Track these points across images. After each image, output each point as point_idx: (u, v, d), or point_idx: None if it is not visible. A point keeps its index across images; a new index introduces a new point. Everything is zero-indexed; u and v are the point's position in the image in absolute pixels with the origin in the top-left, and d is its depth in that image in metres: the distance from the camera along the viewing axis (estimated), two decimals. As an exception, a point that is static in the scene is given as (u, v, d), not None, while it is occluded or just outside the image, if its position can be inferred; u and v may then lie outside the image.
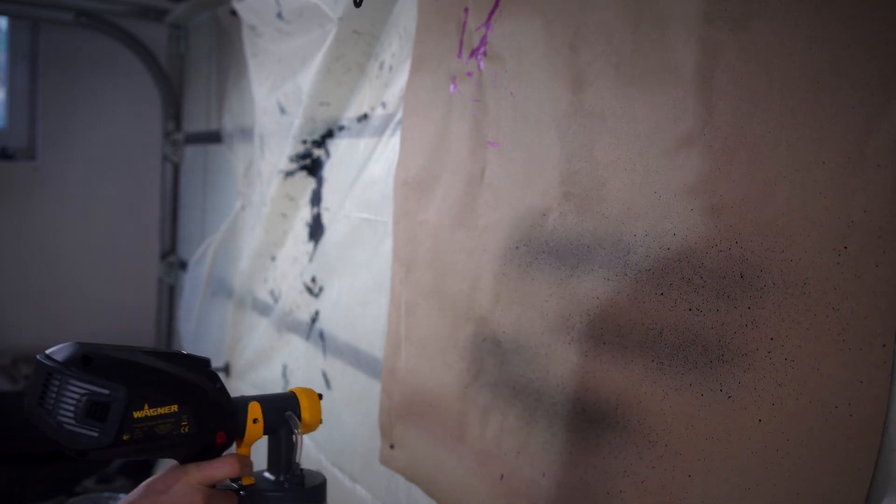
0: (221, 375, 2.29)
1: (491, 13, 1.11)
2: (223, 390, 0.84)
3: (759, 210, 0.74)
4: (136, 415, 0.74)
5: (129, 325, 3.02)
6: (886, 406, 0.65)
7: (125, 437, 0.74)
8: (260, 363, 1.97)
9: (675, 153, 0.83)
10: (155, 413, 0.76)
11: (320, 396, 0.92)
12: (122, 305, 3.01)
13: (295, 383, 1.78)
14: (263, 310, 1.97)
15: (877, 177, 0.65)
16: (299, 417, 0.89)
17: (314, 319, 1.69)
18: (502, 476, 1.07)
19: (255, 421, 0.86)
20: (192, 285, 2.37)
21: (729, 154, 0.77)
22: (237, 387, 2.12)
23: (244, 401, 0.87)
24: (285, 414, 0.88)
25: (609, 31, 0.91)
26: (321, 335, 1.66)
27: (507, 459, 1.06)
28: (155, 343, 3.02)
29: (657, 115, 0.85)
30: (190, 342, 2.38)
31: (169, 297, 2.96)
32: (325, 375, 1.63)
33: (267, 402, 0.88)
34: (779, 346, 0.72)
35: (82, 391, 0.72)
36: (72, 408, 0.72)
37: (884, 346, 0.65)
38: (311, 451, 1.67)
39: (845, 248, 0.67)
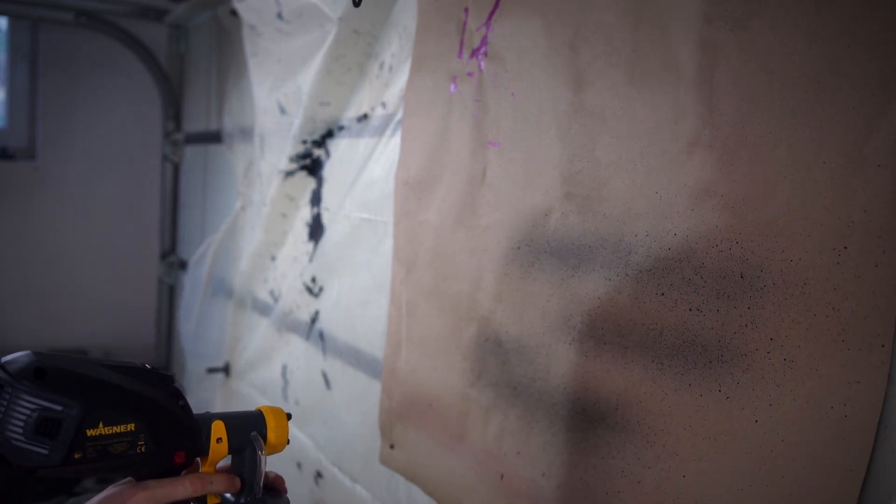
0: (221, 375, 2.30)
1: (491, 13, 1.11)
2: (186, 408, 0.79)
3: (760, 210, 0.74)
4: (90, 433, 0.70)
5: (129, 325, 3.03)
6: (882, 407, 0.65)
7: (77, 456, 0.70)
8: (260, 363, 1.97)
9: (675, 153, 0.83)
10: (110, 431, 0.72)
11: (289, 416, 0.88)
12: (122, 305, 3.01)
13: (295, 383, 1.78)
14: (263, 310, 1.97)
15: (877, 177, 0.65)
16: (265, 438, 0.85)
17: (314, 319, 1.69)
18: (502, 476, 1.07)
19: (218, 440, 0.82)
20: (192, 285, 2.37)
21: (729, 154, 0.77)
22: (237, 387, 2.12)
23: (208, 419, 0.83)
24: (250, 434, 0.84)
25: (609, 31, 0.91)
26: (321, 335, 1.66)
27: (508, 459, 1.06)
28: (155, 343, 3.02)
29: (657, 115, 0.85)
30: (190, 342, 2.38)
31: (169, 297, 2.96)
32: (324, 375, 1.63)
33: (232, 420, 0.84)
34: (778, 346, 0.72)
35: (33, 406, 0.67)
36: (21, 423, 0.67)
37: (883, 346, 0.65)
38: (311, 450, 1.67)
39: (845, 248, 0.67)
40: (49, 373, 0.69)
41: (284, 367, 1.84)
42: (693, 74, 0.81)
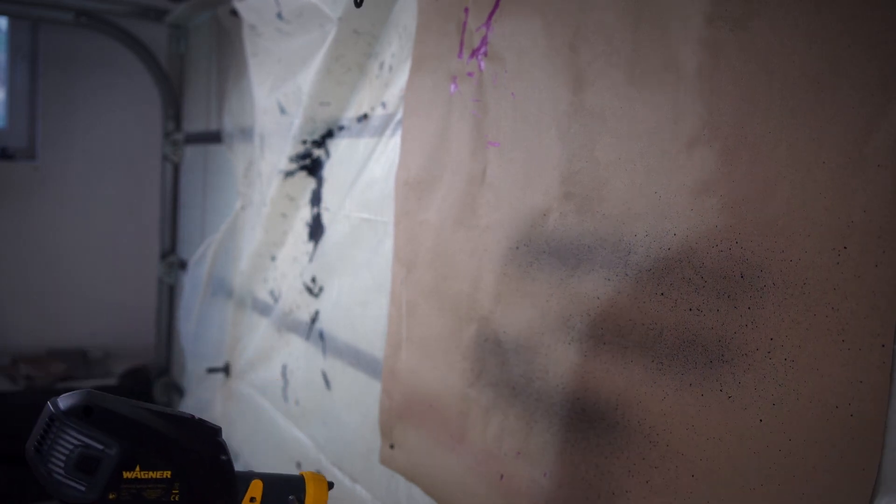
0: (221, 375, 2.30)
1: (491, 13, 1.11)
2: (227, 463, 0.80)
3: (760, 210, 0.74)
4: (126, 475, 0.73)
5: (129, 325, 3.03)
6: (887, 405, 0.65)
7: (111, 496, 0.72)
8: (260, 363, 1.97)
9: (675, 153, 0.83)
10: (146, 476, 0.74)
11: (331, 486, 0.87)
12: (122, 305, 3.01)
13: (295, 383, 1.78)
14: (263, 310, 1.97)
15: (877, 177, 0.65)
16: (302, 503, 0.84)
17: (314, 319, 1.69)
18: (502, 476, 1.07)
19: (252, 500, 0.82)
20: (192, 285, 2.37)
21: (729, 154, 0.77)
22: (237, 387, 2.12)
23: (247, 477, 0.84)
24: (288, 498, 0.84)
25: (609, 31, 0.91)
26: (321, 335, 1.66)
27: (507, 459, 1.06)
28: (155, 343, 3.02)
29: (657, 115, 0.85)
30: (190, 342, 2.38)
31: (169, 297, 2.96)
32: (325, 375, 1.63)
33: (271, 481, 0.84)
34: (779, 346, 0.72)
35: (77, 442, 0.71)
36: (63, 458, 0.71)
37: (883, 346, 0.65)
38: (311, 450, 1.67)
39: (845, 248, 0.67)
40: (95, 411, 0.72)
41: (284, 367, 1.84)
42: (693, 74, 0.81)
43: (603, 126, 0.92)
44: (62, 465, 0.70)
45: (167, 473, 0.75)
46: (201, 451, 0.78)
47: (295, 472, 0.88)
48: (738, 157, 0.76)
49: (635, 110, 0.88)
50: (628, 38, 0.89)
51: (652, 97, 0.86)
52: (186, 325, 2.39)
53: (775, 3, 0.73)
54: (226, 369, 2.20)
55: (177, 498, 0.75)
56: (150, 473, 0.74)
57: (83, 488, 0.71)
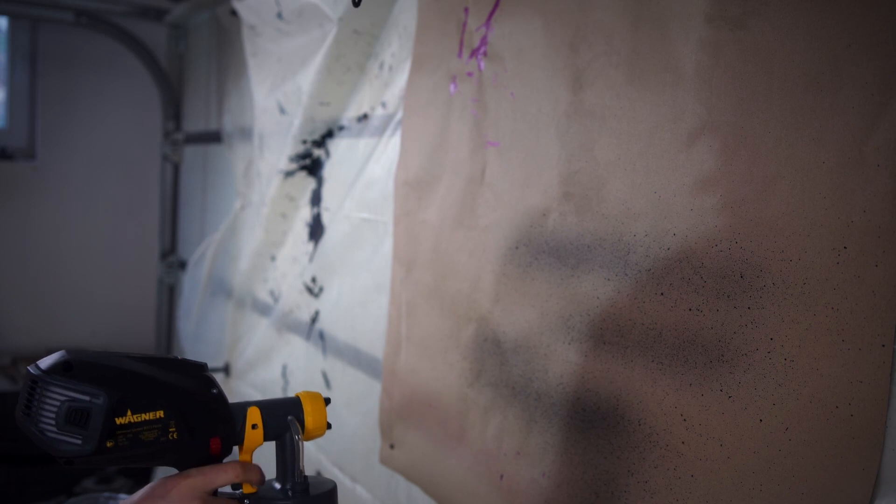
0: (221, 376, 2.29)
1: (491, 13, 1.11)
2: (219, 396, 0.81)
3: (759, 210, 0.74)
4: (119, 421, 0.72)
5: (129, 325, 3.03)
6: (887, 405, 0.65)
7: (109, 445, 0.72)
8: (260, 363, 1.97)
9: (674, 153, 0.83)
10: (139, 419, 0.73)
11: (327, 401, 0.88)
12: (122, 305, 3.01)
13: (295, 383, 1.78)
14: (263, 310, 1.97)
15: (876, 177, 0.65)
16: (302, 423, 0.85)
17: (314, 319, 1.69)
18: (502, 476, 1.07)
19: (253, 426, 0.83)
20: (192, 285, 2.37)
21: (729, 154, 0.77)
22: (237, 387, 2.12)
23: (243, 406, 0.84)
24: (287, 419, 0.84)
25: (609, 31, 0.91)
26: (321, 335, 1.66)
27: (507, 459, 1.06)
28: (155, 344, 3.02)
29: (657, 115, 0.85)
30: (190, 342, 2.38)
31: (169, 297, 2.96)
32: (325, 375, 1.63)
33: (268, 406, 0.85)
34: (779, 346, 0.72)
35: (62, 397, 0.71)
36: (52, 415, 0.71)
37: (883, 346, 0.65)
38: (312, 451, 1.67)
39: (845, 248, 0.67)
40: (76, 366, 0.72)
41: (284, 367, 1.84)
42: (693, 74, 0.81)
43: (602, 126, 0.92)
44: (53, 422, 0.70)
45: (160, 413, 0.75)
46: (190, 387, 0.79)
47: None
48: (738, 157, 0.76)
49: (635, 110, 0.88)
50: (628, 37, 0.89)
51: (652, 97, 0.86)
52: (186, 325, 2.39)
53: (775, 3, 0.73)
54: (226, 369, 2.20)
55: (175, 435, 0.76)
56: (143, 415, 0.74)
57: (79, 441, 0.71)
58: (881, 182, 0.65)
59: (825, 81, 0.69)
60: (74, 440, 0.71)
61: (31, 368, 0.73)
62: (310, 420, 0.86)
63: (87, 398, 0.71)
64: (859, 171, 0.66)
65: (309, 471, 1.68)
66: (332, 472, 1.58)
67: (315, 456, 1.65)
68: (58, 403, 0.71)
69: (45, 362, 0.73)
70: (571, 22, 0.97)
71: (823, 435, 0.69)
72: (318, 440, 1.64)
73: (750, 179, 0.75)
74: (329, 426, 0.88)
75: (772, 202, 0.73)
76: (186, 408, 0.77)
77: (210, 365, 2.33)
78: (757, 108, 0.75)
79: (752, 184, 0.75)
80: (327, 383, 1.62)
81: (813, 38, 0.70)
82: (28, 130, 2.83)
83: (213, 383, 0.81)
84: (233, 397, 2.14)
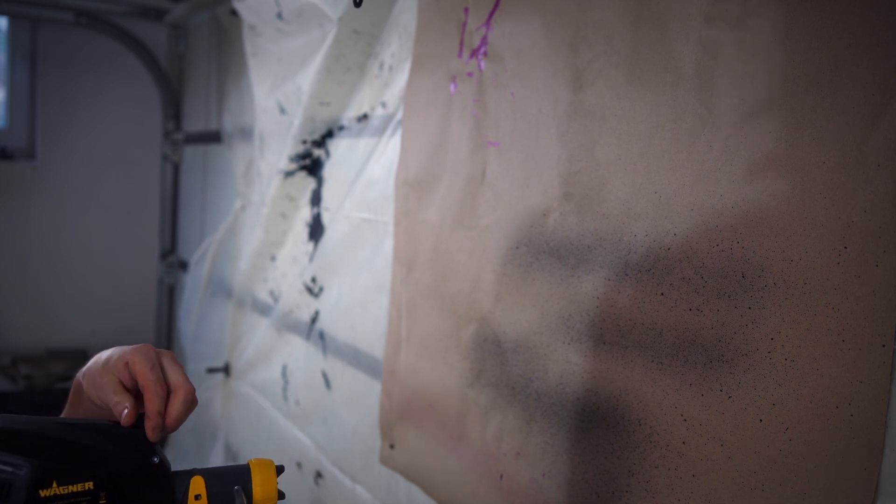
0: (221, 375, 2.29)
1: (491, 13, 1.11)
2: (161, 464, 0.75)
3: (760, 210, 0.74)
4: (43, 493, 0.67)
5: (129, 325, 3.03)
6: (887, 405, 0.65)
7: None
8: (260, 363, 1.97)
9: (675, 153, 0.83)
10: (66, 491, 0.68)
11: (280, 469, 0.83)
12: (122, 305, 3.01)
13: (295, 383, 1.78)
14: (263, 310, 1.97)
15: (876, 177, 0.65)
16: (249, 493, 0.80)
17: (314, 319, 1.69)
18: (502, 476, 1.07)
19: (196, 497, 0.77)
20: (192, 285, 2.37)
21: (729, 154, 0.77)
22: (237, 387, 2.12)
23: (187, 475, 0.79)
24: (234, 489, 0.79)
25: (609, 31, 0.91)
26: (321, 335, 1.66)
27: (507, 459, 1.06)
28: (155, 344, 3.02)
29: (657, 115, 0.85)
30: (190, 342, 2.38)
31: (169, 297, 2.96)
32: (325, 375, 1.64)
33: (213, 475, 0.80)
34: (779, 346, 0.72)
35: None
36: None
37: (883, 346, 0.65)
38: (311, 450, 1.67)
39: (845, 248, 0.67)
40: (0, 434, 0.68)
41: (284, 367, 1.84)
42: (693, 74, 0.81)
43: (603, 126, 0.92)
44: None
45: (89, 485, 0.69)
46: (126, 455, 0.73)
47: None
48: (738, 157, 0.76)
49: (635, 110, 0.88)
50: (628, 37, 0.89)
51: (652, 97, 0.86)
52: (186, 325, 2.39)
53: (775, 3, 0.73)
54: (226, 369, 2.20)
55: None
56: (70, 487, 0.69)
57: None
58: (882, 182, 0.65)
59: (825, 81, 0.69)
60: None
61: None
62: (258, 490, 0.80)
63: (9, 469, 0.67)
64: (860, 171, 0.66)
65: (309, 471, 1.68)
66: (332, 472, 1.58)
67: (315, 456, 1.65)
68: None
69: None
70: (571, 22, 0.97)
71: (824, 435, 0.69)
72: (318, 440, 1.65)
73: (750, 179, 0.75)
74: (281, 495, 0.83)
75: (772, 202, 0.73)
76: (120, 479, 0.72)
77: (210, 365, 2.33)
78: (757, 108, 0.75)
79: (751, 184, 0.75)
80: (327, 383, 1.63)
81: (813, 38, 0.70)
82: (28, 130, 2.83)
83: (155, 451, 0.76)
84: (233, 397, 2.14)
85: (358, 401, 1.49)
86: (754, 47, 0.75)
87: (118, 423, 0.75)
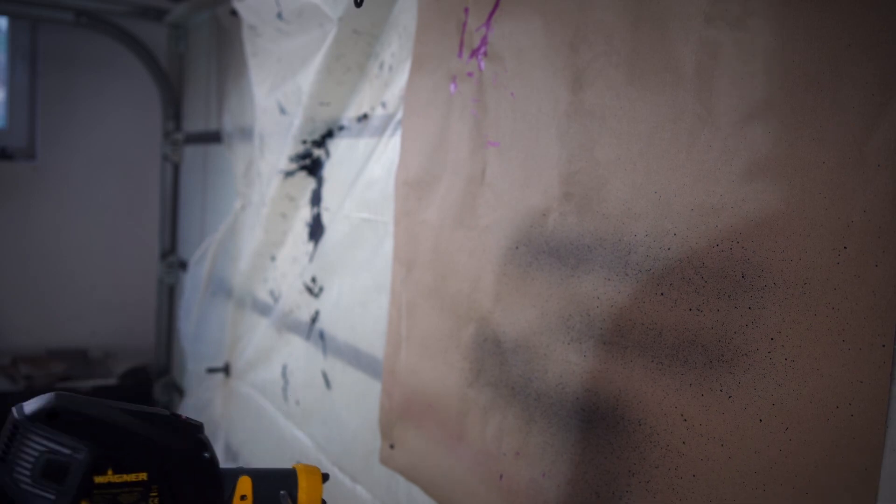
0: (221, 375, 2.29)
1: (491, 13, 1.11)
2: (211, 460, 0.75)
3: (760, 210, 0.74)
4: (98, 480, 0.68)
5: (129, 325, 3.03)
6: (887, 405, 0.65)
7: None
8: (260, 363, 1.97)
9: (674, 153, 0.83)
10: (120, 480, 0.69)
11: (325, 477, 0.82)
12: (122, 305, 3.01)
13: (295, 383, 1.78)
14: (263, 310, 1.97)
15: (876, 177, 0.65)
16: (295, 499, 0.79)
17: (314, 319, 1.69)
18: (502, 476, 1.07)
19: (242, 497, 0.77)
20: (192, 285, 2.37)
21: (728, 154, 0.77)
22: (237, 387, 2.12)
23: (235, 473, 0.78)
24: (280, 493, 0.79)
25: (609, 31, 0.91)
26: (321, 335, 1.66)
27: (507, 459, 1.06)
28: (155, 343, 3.02)
29: (657, 115, 0.85)
30: (190, 342, 2.38)
31: (169, 297, 2.96)
32: (325, 375, 1.63)
33: (260, 477, 0.79)
34: (779, 346, 0.72)
35: (42, 448, 0.66)
36: (29, 465, 0.66)
37: (883, 346, 0.65)
38: (312, 450, 1.67)
39: (845, 248, 0.67)
40: (61, 415, 0.68)
41: (284, 367, 1.84)
42: (693, 74, 0.81)
43: (602, 126, 0.92)
44: (28, 473, 0.66)
45: (143, 475, 0.70)
46: (180, 449, 0.73)
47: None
48: (738, 157, 0.76)
49: (635, 110, 0.88)
50: (628, 37, 0.89)
51: (652, 97, 0.86)
52: (186, 325, 2.39)
53: (775, 3, 0.73)
54: (226, 369, 2.20)
55: (156, 501, 0.71)
56: (125, 476, 0.69)
57: (52, 497, 0.66)
58: (881, 182, 0.65)
59: (825, 81, 0.69)
60: (48, 495, 0.67)
61: (15, 410, 0.69)
62: (303, 497, 0.80)
63: (68, 451, 0.67)
64: (859, 171, 0.66)
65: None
66: (333, 472, 1.58)
67: (315, 456, 1.65)
68: (36, 454, 0.67)
69: (31, 406, 0.69)
70: (571, 22, 0.97)
71: (824, 435, 0.69)
72: (319, 440, 1.65)
73: (750, 179, 0.75)
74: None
75: (772, 202, 0.73)
76: (173, 472, 0.72)
77: (210, 365, 2.32)
78: (757, 108, 0.75)
79: (752, 183, 0.75)
80: (327, 383, 1.63)
81: (813, 38, 0.70)
82: (28, 130, 2.83)
83: (206, 446, 0.76)
84: (233, 397, 2.14)
85: (358, 401, 1.49)
86: (754, 47, 0.75)
87: (175, 414, 0.75)
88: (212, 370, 2.22)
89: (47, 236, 2.87)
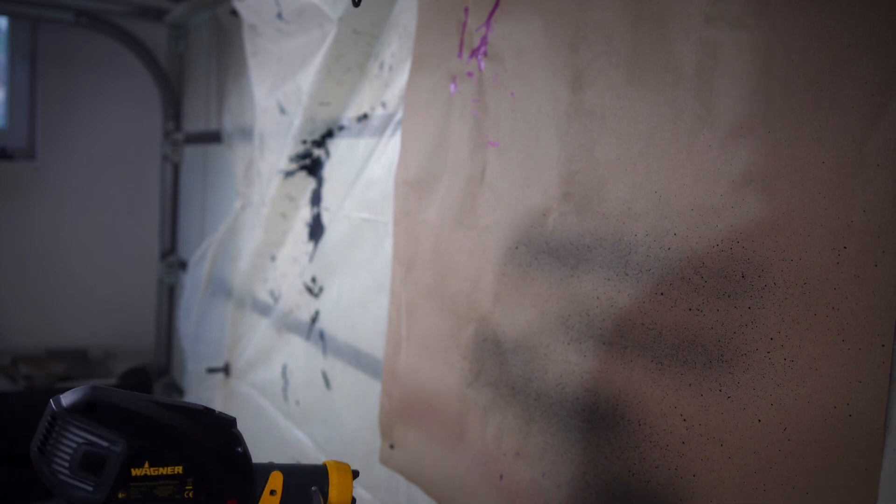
0: (221, 375, 2.29)
1: (491, 13, 1.11)
2: (244, 455, 0.77)
3: (760, 210, 0.74)
4: (135, 472, 0.69)
5: (129, 325, 3.03)
6: (887, 405, 0.65)
7: (121, 496, 0.69)
8: (260, 363, 1.97)
9: (674, 153, 0.83)
10: (156, 473, 0.70)
11: (356, 474, 0.83)
12: (122, 305, 3.01)
13: (295, 383, 1.78)
14: (263, 310, 1.97)
15: (876, 177, 0.65)
16: (325, 494, 0.80)
17: (314, 319, 1.69)
18: (501, 476, 1.07)
19: (272, 493, 0.78)
20: (192, 285, 2.37)
21: (729, 154, 0.77)
22: (237, 387, 2.12)
23: (266, 469, 0.79)
24: (311, 489, 0.79)
25: (609, 31, 0.91)
26: (321, 335, 1.66)
27: (507, 459, 1.06)
28: (155, 343, 3.02)
29: (657, 115, 0.85)
30: (190, 342, 2.38)
31: (169, 297, 2.96)
32: (325, 375, 1.63)
33: (291, 473, 0.80)
34: (779, 346, 0.72)
35: (80, 440, 0.68)
36: (67, 457, 0.67)
37: (883, 345, 0.65)
38: (312, 450, 1.67)
39: (845, 248, 0.67)
40: (99, 407, 0.69)
41: (284, 367, 1.84)
42: (693, 74, 0.81)
43: (602, 126, 0.92)
44: (66, 464, 0.68)
45: (179, 469, 0.71)
46: (214, 443, 0.75)
47: None
48: (738, 157, 0.76)
49: (635, 110, 0.88)
50: (628, 37, 0.89)
51: (652, 97, 0.86)
52: (186, 325, 2.39)
53: (775, 3, 0.73)
54: (226, 369, 2.20)
55: (191, 494, 0.72)
56: (161, 469, 0.71)
57: (90, 488, 0.68)
58: (881, 182, 0.65)
59: (825, 81, 0.69)
60: (86, 486, 0.68)
61: (53, 402, 0.70)
62: (334, 493, 0.81)
63: (105, 444, 0.68)
64: (859, 171, 0.66)
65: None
66: (332, 472, 1.57)
67: (315, 456, 1.65)
68: (74, 446, 0.68)
69: (69, 398, 0.70)
70: (571, 22, 0.97)
71: (823, 435, 0.69)
72: (319, 440, 1.65)
73: (750, 179, 0.75)
74: (353, 501, 0.83)
75: (772, 202, 0.73)
76: (207, 466, 0.73)
77: (210, 365, 2.33)
78: (757, 108, 0.75)
79: (752, 184, 0.75)
80: (327, 383, 1.63)
81: (813, 38, 0.70)
82: (28, 130, 2.83)
83: (240, 441, 0.77)
84: (233, 397, 2.14)
85: (358, 401, 1.49)
86: (754, 47, 0.75)
87: (209, 408, 0.76)
88: (212, 370, 2.22)
89: (47, 236, 2.87)
